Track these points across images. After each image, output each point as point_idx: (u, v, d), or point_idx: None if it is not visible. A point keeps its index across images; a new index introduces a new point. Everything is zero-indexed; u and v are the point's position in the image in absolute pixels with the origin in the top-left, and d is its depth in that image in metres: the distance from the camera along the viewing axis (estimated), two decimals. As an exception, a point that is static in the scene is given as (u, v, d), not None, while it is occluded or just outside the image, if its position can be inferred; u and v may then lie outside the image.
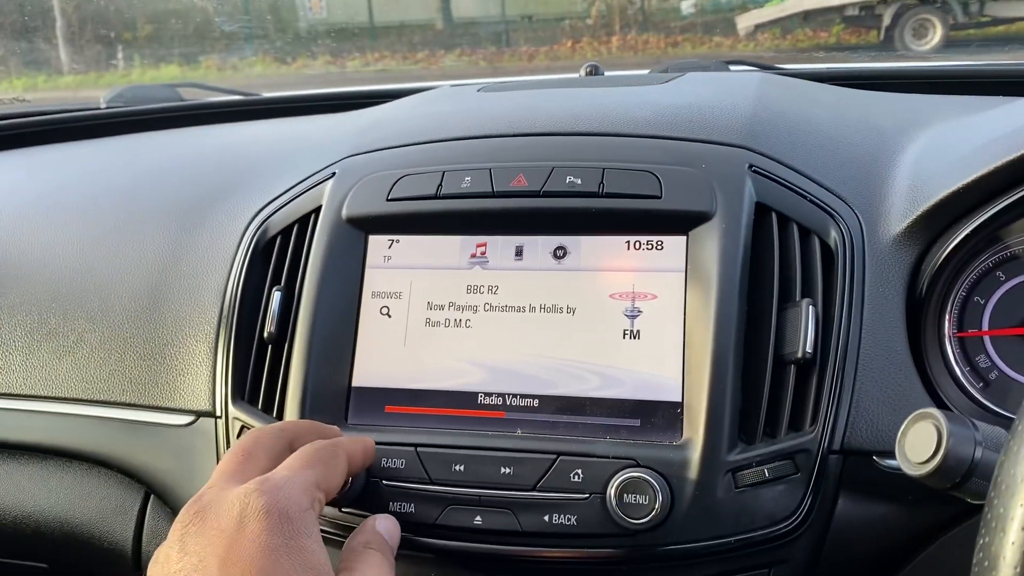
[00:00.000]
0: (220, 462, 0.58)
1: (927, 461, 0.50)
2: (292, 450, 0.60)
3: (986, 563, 0.39)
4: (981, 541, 0.40)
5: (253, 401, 0.74)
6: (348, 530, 0.62)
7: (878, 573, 0.67)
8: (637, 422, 0.67)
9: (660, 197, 0.70)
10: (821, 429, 0.64)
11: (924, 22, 4.53)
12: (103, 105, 1.34)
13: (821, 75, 1.08)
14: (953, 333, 0.71)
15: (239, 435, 0.73)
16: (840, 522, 0.64)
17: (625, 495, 0.61)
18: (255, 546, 0.49)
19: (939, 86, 1.05)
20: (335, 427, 0.67)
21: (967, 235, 0.67)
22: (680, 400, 0.66)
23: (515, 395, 0.70)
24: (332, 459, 0.59)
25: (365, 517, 0.65)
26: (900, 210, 0.71)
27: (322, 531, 0.54)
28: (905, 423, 0.52)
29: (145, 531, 0.82)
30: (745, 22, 4.76)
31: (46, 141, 1.22)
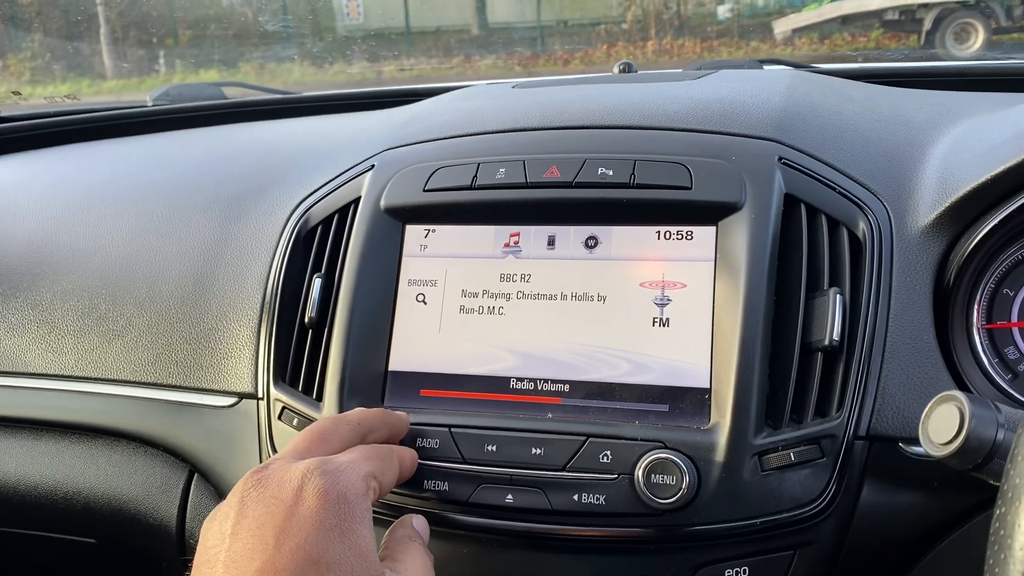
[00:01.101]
0: (295, 438, 0.61)
1: (949, 442, 0.51)
2: (364, 443, 0.63)
3: (1002, 532, 0.40)
4: (998, 512, 0.41)
5: (294, 383, 0.77)
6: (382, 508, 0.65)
7: (902, 558, 0.67)
8: (666, 407, 0.68)
9: (690, 188, 0.72)
10: (847, 415, 0.65)
11: (966, 26, 4.49)
12: (150, 103, 1.39)
13: (853, 73, 1.09)
14: (982, 324, 0.72)
15: (280, 416, 0.75)
16: (865, 507, 0.65)
17: (653, 475, 0.63)
18: (310, 522, 0.51)
19: (972, 83, 1.05)
20: (403, 414, 0.69)
21: (994, 226, 0.68)
22: (708, 386, 0.68)
23: (546, 380, 0.72)
24: (388, 457, 0.62)
25: (398, 494, 0.68)
26: (928, 202, 0.72)
27: None
28: (929, 405, 0.53)
29: (189, 508, 0.85)
30: (782, 26, 4.73)
31: (95, 137, 1.26)
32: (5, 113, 1.37)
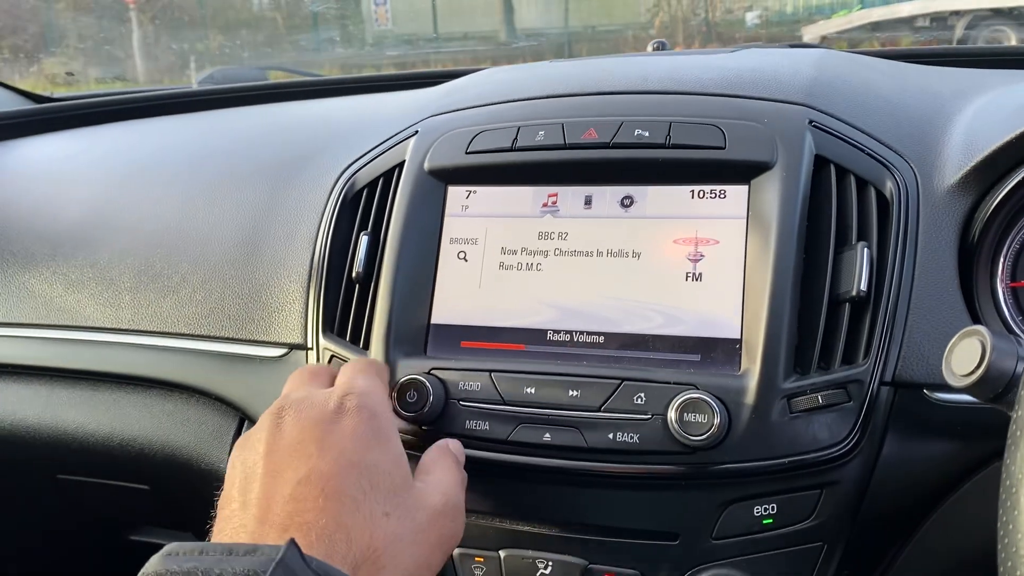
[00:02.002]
0: (289, 379, 0.67)
1: (971, 373, 0.54)
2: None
3: (1013, 442, 0.43)
4: (1009, 441, 0.44)
5: (342, 334, 0.81)
6: (424, 448, 0.69)
7: (926, 500, 0.70)
8: (698, 357, 0.71)
9: (724, 148, 0.74)
10: (873, 361, 0.67)
11: (998, 33, 4.47)
12: (195, 86, 1.44)
13: (883, 55, 1.11)
14: (1007, 284, 0.74)
15: (329, 363, 0.79)
16: (890, 451, 0.68)
17: (685, 414, 0.66)
18: (349, 435, 0.57)
19: (1001, 63, 1.07)
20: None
21: (1017, 183, 0.70)
22: (739, 337, 0.70)
23: (582, 332, 0.75)
24: (383, 373, 0.69)
25: (441, 436, 0.71)
26: (954, 163, 0.74)
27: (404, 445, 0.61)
28: (953, 340, 0.56)
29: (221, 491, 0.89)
30: (812, 33, 4.73)
31: (145, 116, 1.31)
32: (59, 94, 1.43)
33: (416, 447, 0.72)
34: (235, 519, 0.54)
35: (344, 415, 0.58)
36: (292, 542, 0.45)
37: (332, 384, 0.66)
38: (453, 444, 0.68)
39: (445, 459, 0.64)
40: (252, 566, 0.43)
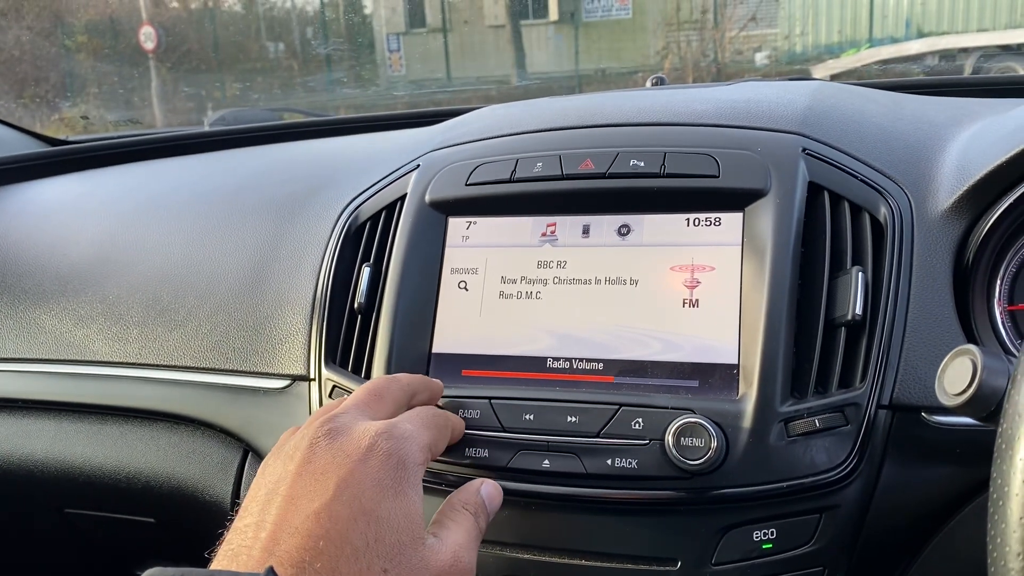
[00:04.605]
0: (354, 393, 0.66)
1: (962, 392, 0.54)
2: (411, 405, 0.68)
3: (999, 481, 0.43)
4: (995, 453, 0.44)
5: (344, 365, 0.81)
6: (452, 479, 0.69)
7: (927, 523, 0.69)
8: (695, 383, 0.72)
9: (718, 176, 0.76)
10: (870, 385, 0.67)
11: (1007, 71, 4.49)
12: (207, 127, 1.47)
13: (880, 86, 1.13)
14: (1004, 307, 0.74)
15: (331, 394, 0.80)
16: (889, 474, 0.68)
17: (682, 438, 0.66)
18: (371, 480, 0.56)
19: (999, 93, 1.08)
20: (439, 382, 0.73)
21: (1011, 204, 0.70)
22: (736, 362, 0.71)
23: (581, 359, 0.76)
24: (444, 427, 0.66)
25: (440, 461, 0.72)
26: (948, 187, 0.75)
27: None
28: (945, 360, 0.56)
29: (243, 486, 0.89)
30: (821, 72, 4.77)
31: (156, 157, 1.34)
32: (73, 137, 1.46)
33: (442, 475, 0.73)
34: (247, 535, 0.53)
35: (372, 456, 0.57)
36: (270, 570, 0.44)
37: (393, 413, 0.65)
38: (486, 489, 0.66)
39: (463, 514, 0.63)
40: None
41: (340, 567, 0.51)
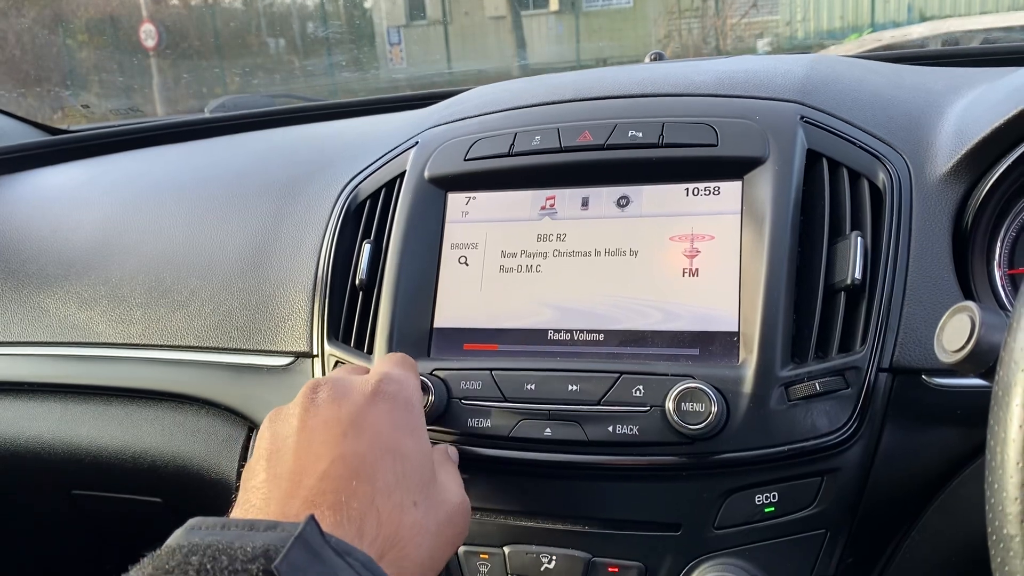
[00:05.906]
0: (333, 370, 0.68)
1: (960, 348, 0.54)
2: None
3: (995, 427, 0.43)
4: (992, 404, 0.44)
5: (346, 341, 0.82)
6: None
7: (928, 485, 0.69)
8: (696, 351, 0.72)
9: (716, 145, 0.76)
10: (870, 348, 0.68)
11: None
12: (207, 113, 1.47)
13: (880, 57, 1.12)
14: (1004, 271, 0.74)
15: (334, 368, 0.80)
16: (890, 437, 0.68)
17: (683, 404, 0.66)
18: (384, 420, 0.58)
19: (998, 62, 1.08)
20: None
21: (1008, 167, 0.70)
22: (736, 330, 0.71)
23: (582, 331, 0.76)
24: (414, 368, 0.69)
25: (445, 432, 0.72)
26: (946, 152, 0.75)
27: None
28: (943, 317, 0.56)
29: (247, 463, 0.90)
30: (823, 58, 4.73)
31: (157, 144, 1.35)
32: (75, 127, 1.47)
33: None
34: (262, 491, 0.53)
35: (380, 399, 0.59)
36: (311, 519, 0.44)
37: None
38: (451, 450, 0.69)
39: (448, 463, 0.66)
40: (271, 541, 0.42)
41: (376, 503, 0.52)
